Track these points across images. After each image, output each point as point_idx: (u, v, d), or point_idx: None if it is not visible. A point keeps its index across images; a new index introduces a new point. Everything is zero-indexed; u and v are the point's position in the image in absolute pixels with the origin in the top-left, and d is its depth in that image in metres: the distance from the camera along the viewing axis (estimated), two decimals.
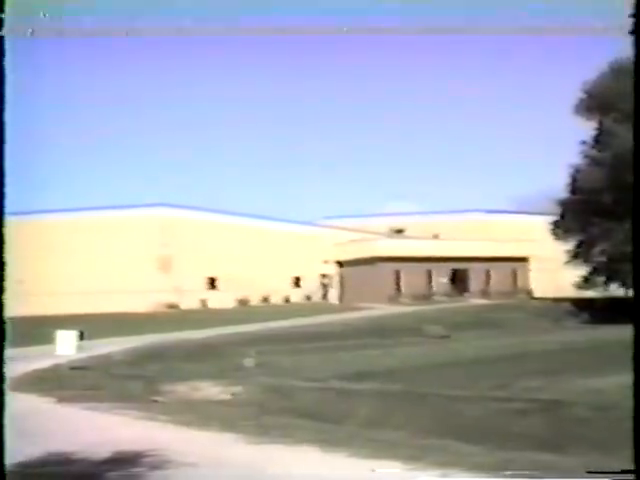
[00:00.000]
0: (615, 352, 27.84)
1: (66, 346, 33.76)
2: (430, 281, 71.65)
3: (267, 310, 61.88)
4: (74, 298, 61.99)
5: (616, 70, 55.69)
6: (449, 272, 73.09)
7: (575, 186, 57.49)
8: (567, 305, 57.91)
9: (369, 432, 13.08)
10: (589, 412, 14.33)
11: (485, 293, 71.66)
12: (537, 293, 71.63)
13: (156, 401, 18.50)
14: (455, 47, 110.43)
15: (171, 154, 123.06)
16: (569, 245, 59.56)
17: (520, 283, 75.61)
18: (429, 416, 15.02)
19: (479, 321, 50.19)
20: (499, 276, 74.55)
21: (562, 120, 57.80)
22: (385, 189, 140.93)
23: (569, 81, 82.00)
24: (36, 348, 32.55)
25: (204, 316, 57.07)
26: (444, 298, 67.68)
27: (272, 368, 25.45)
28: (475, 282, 73.92)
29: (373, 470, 9.56)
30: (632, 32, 6.06)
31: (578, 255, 59.22)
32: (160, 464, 10.36)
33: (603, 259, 57.35)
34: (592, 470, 8.70)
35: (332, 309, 61.97)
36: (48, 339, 33.90)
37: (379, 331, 43.15)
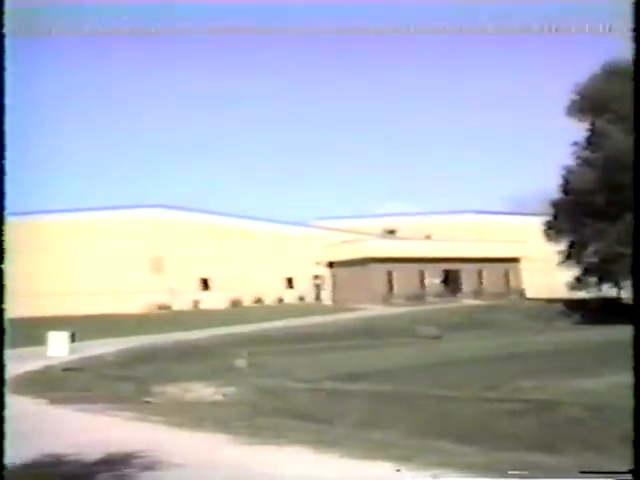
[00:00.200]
0: (607, 353, 27.92)
1: (58, 347, 33.64)
2: (423, 282, 71.71)
3: (260, 311, 61.80)
4: (66, 299, 61.83)
5: (608, 72, 55.94)
6: (441, 273, 73.20)
7: (567, 187, 57.69)
8: (560, 306, 58.08)
9: (362, 433, 13.07)
10: (581, 412, 14.34)
11: (478, 294, 71.76)
12: (530, 294, 71.75)
13: (148, 402, 18.47)
14: (451, 46, 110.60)
15: (163, 155, 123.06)
16: (562, 246, 59.74)
17: (513, 284, 75.78)
18: (422, 417, 15.02)
19: (472, 322, 50.28)
20: (492, 277, 74.70)
21: (559, 120, 57.93)
22: (379, 190, 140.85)
23: (565, 81, 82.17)
24: (27, 350, 32.44)
25: (196, 317, 57.02)
26: (436, 299, 67.75)
27: (264, 369, 25.43)
28: (468, 283, 74.03)
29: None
30: (632, 31, 6.07)
31: (570, 256, 59.42)
32: (152, 465, 10.34)
33: (595, 260, 57.52)
34: (592, 470, 8.70)
35: (325, 310, 61.94)
36: (39, 340, 33.78)
37: (371, 332, 43.19)
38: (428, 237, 78.59)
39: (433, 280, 72.05)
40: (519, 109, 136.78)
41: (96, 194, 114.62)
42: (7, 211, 6.59)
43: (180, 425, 14.36)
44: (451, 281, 73.61)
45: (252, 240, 72.38)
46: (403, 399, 17.37)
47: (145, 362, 28.53)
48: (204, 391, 19.77)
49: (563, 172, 58.55)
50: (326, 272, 74.25)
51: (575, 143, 58.60)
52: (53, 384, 22.35)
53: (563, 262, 59.72)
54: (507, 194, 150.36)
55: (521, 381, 19.48)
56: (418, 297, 68.09)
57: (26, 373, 24.86)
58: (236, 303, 68.97)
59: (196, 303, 68.63)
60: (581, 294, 59.65)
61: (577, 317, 54.30)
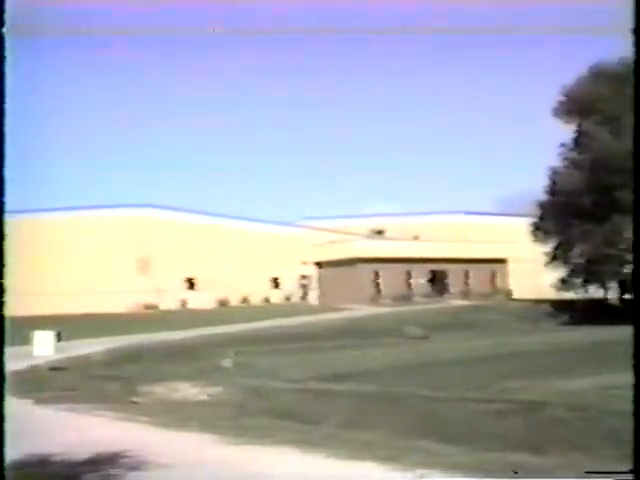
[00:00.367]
0: (593, 354, 27.99)
1: (44, 347, 33.54)
2: (409, 282, 71.83)
3: (246, 311, 61.81)
4: (52, 298, 61.67)
5: (595, 74, 56.19)
6: (429, 273, 73.32)
7: (554, 188, 57.86)
8: (546, 306, 58.23)
9: (347, 433, 13.07)
10: (566, 413, 14.38)
11: (464, 294, 71.93)
12: (516, 294, 71.95)
13: (134, 402, 18.42)
14: (441, 47, 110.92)
15: (150, 154, 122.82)
16: (549, 247, 59.93)
17: (499, 284, 76.00)
18: (407, 417, 15.03)
19: (458, 322, 50.36)
20: (478, 277, 74.90)
21: (548, 121, 58.07)
22: (367, 190, 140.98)
23: (555, 82, 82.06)
24: (13, 349, 32.24)
25: (183, 317, 56.96)
26: (423, 299, 67.90)
27: (251, 369, 25.40)
28: (454, 283, 74.20)
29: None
30: (632, 31, 6.10)
31: (556, 257, 59.59)
32: (138, 465, 10.32)
33: (582, 261, 57.70)
34: (592, 470, 8.73)
35: (311, 310, 61.96)
36: (25, 340, 33.63)
37: (358, 332, 43.20)
38: (416, 237, 78.70)
39: (420, 280, 72.18)
40: (507, 110, 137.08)
41: (76, 194, 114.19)
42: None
43: (166, 425, 14.34)
44: (438, 281, 73.76)
45: (239, 240, 72.36)
46: (389, 399, 17.38)
47: (131, 362, 28.45)
48: (190, 391, 19.73)
49: (550, 173, 58.78)
50: (313, 272, 74.27)
51: (562, 145, 58.82)
52: (39, 384, 22.26)
53: (549, 263, 59.89)
54: (495, 195, 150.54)
55: (507, 382, 19.53)
56: (405, 297, 68.19)
57: (11, 373, 24.68)
58: (223, 303, 68.96)
59: (183, 303, 68.56)
60: (568, 295, 59.81)
61: (564, 318, 54.42)
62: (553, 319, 54.59)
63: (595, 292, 59.85)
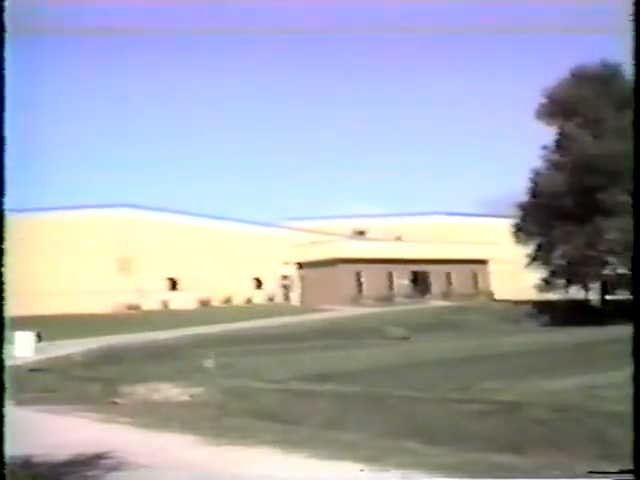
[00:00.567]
0: (574, 354, 28.08)
1: (24, 348, 33.33)
2: (391, 283, 71.87)
3: (228, 311, 61.63)
4: (33, 299, 61.21)
5: (578, 76, 56.53)
6: (410, 274, 73.40)
7: (536, 190, 58.12)
8: (528, 307, 58.42)
9: (329, 433, 13.04)
10: (549, 413, 14.39)
11: (446, 295, 72.05)
12: (498, 295, 72.09)
13: (115, 403, 18.33)
14: (431, 47, 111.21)
15: (133, 155, 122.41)
16: (530, 248, 60.19)
17: (481, 285, 76.22)
18: (390, 417, 15.01)
19: (440, 323, 50.45)
20: (460, 278, 75.10)
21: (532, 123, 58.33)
22: (348, 191, 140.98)
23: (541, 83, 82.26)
24: None
25: (165, 317, 56.77)
26: (405, 300, 67.92)
27: (232, 369, 25.35)
28: (436, 284, 74.35)
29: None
30: (632, 31, 6.09)
31: (537, 258, 59.86)
32: (118, 466, 10.25)
33: (563, 262, 57.97)
34: (592, 470, 8.72)
35: (293, 310, 61.90)
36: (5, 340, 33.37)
37: (340, 332, 43.22)
38: (398, 238, 78.72)
39: (402, 281, 72.25)
40: (489, 111, 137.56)
41: (58, 194, 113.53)
42: None
43: (147, 426, 14.26)
44: (420, 282, 73.87)
45: (221, 240, 72.20)
46: (371, 400, 17.36)
47: (113, 362, 28.35)
48: (172, 392, 19.65)
49: (532, 175, 59.04)
50: (295, 273, 74.19)
51: (544, 147, 59.08)
52: (18, 385, 22.09)
53: (530, 264, 60.13)
54: (477, 196, 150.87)
55: (490, 382, 19.54)
56: (387, 298, 68.21)
57: None
58: (205, 303, 68.75)
59: (165, 303, 68.31)
60: (549, 296, 60.02)
61: (545, 319, 54.63)
62: (535, 320, 54.77)
63: (576, 293, 60.10)
